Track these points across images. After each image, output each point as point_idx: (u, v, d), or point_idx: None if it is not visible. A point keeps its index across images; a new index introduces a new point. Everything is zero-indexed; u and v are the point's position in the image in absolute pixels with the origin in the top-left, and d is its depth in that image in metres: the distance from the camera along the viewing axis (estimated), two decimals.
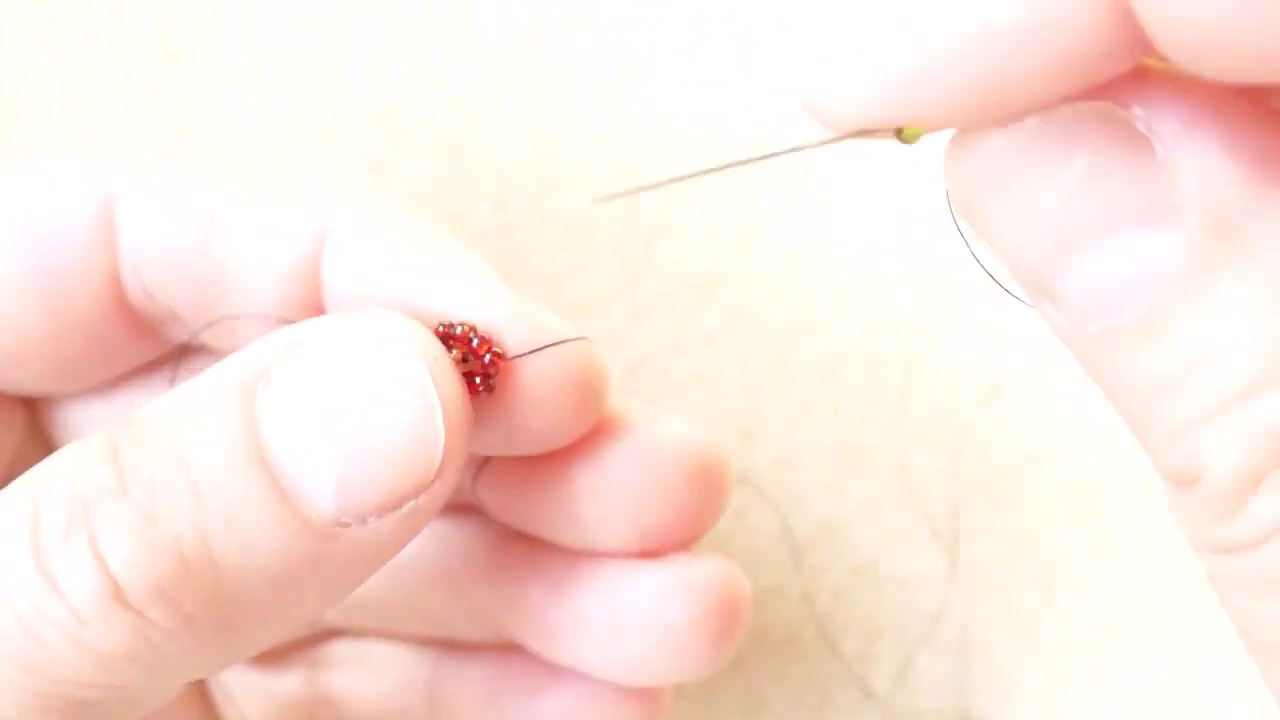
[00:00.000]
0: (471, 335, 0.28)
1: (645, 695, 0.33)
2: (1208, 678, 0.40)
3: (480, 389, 0.28)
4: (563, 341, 0.29)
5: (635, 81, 0.39)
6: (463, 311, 0.28)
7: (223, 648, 0.27)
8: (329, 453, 0.26)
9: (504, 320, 0.28)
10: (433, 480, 0.27)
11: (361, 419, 0.26)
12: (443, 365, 0.27)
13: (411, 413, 0.27)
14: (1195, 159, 0.21)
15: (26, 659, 0.25)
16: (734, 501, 0.40)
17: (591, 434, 0.30)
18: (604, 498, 0.31)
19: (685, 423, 0.32)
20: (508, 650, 0.34)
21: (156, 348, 0.32)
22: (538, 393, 0.29)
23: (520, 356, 0.28)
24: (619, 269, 0.39)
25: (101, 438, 0.27)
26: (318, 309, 0.30)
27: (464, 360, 0.28)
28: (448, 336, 0.28)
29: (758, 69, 0.39)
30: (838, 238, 0.39)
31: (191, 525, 0.26)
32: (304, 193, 0.30)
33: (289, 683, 0.35)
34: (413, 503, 0.27)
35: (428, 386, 0.27)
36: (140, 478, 0.26)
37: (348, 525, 0.26)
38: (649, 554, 0.31)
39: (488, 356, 0.28)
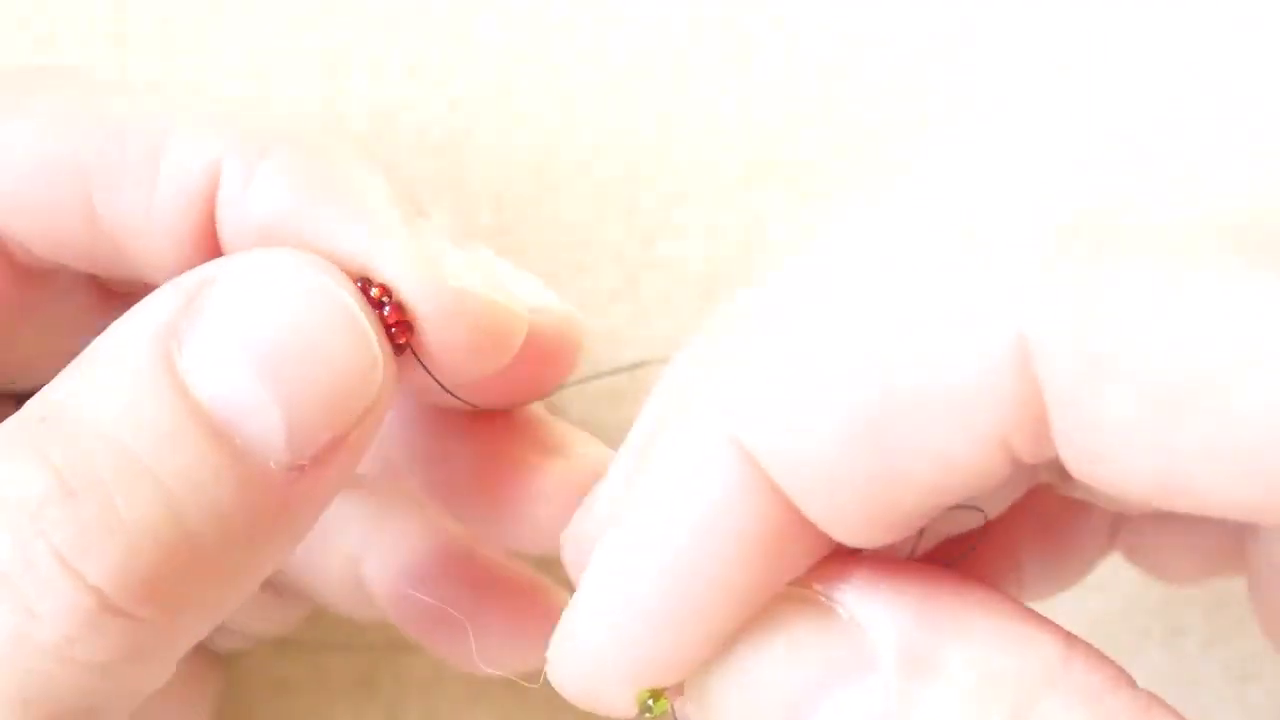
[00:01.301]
0: (380, 290, 0.27)
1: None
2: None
3: (399, 337, 0.27)
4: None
5: (635, 81, 0.39)
6: (368, 259, 0.27)
7: (212, 616, 0.26)
8: (274, 399, 0.25)
9: (410, 283, 0.27)
10: (374, 409, 0.26)
11: (300, 357, 0.25)
12: (360, 297, 0.26)
13: (350, 344, 0.26)
14: (878, 614, 0.24)
15: (24, 693, 0.24)
16: None
17: None
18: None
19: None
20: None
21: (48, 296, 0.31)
22: (447, 340, 0.28)
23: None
24: (619, 269, 0.39)
25: (18, 436, 0.25)
26: (214, 248, 0.28)
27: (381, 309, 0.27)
28: (364, 288, 0.27)
29: (758, 69, 0.39)
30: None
31: (158, 509, 0.25)
32: (184, 135, 0.28)
33: None
34: (355, 433, 0.26)
35: (358, 314, 0.26)
36: (83, 475, 0.24)
37: (303, 466, 0.26)
38: None
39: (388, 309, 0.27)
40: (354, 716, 0.40)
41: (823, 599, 0.24)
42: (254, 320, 0.25)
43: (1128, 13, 0.39)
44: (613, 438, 0.32)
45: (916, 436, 0.22)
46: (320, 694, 0.40)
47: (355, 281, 0.27)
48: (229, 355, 0.25)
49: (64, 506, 0.24)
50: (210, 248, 0.28)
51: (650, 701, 0.25)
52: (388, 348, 0.27)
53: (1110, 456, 0.21)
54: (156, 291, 0.26)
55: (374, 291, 0.27)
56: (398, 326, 0.27)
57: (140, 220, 0.28)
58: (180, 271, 0.27)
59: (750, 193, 0.39)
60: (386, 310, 0.27)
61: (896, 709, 0.23)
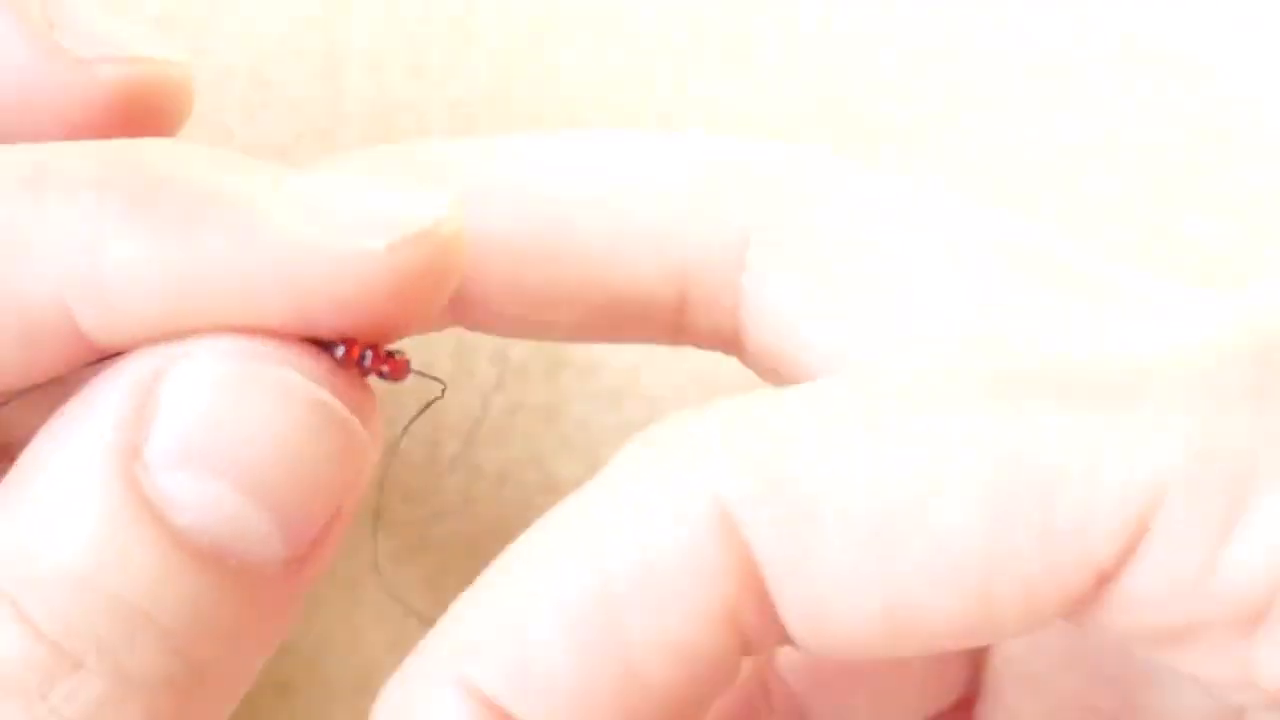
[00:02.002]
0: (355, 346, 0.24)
1: None
2: None
3: (390, 373, 0.25)
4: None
5: (635, 81, 0.39)
6: (230, 298, 0.23)
7: (229, 708, 0.25)
8: (261, 507, 0.23)
9: (267, 274, 0.22)
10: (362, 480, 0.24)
11: (279, 456, 0.23)
12: (325, 368, 0.23)
13: (328, 433, 0.23)
14: None
15: None
16: None
17: None
18: None
19: None
20: None
21: None
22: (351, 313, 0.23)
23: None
24: None
25: None
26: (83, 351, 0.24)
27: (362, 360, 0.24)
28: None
29: (758, 69, 0.39)
30: None
31: (166, 655, 0.23)
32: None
33: None
34: (350, 498, 0.24)
35: (329, 404, 0.23)
36: (81, 640, 0.22)
37: (304, 556, 0.24)
38: None
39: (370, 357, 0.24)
40: (354, 716, 0.40)
41: None
42: (222, 429, 0.23)
43: (1127, 13, 0.39)
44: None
45: (644, 628, 0.21)
46: (320, 694, 0.40)
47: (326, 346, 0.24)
48: (203, 474, 0.23)
49: (71, 680, 0.22)
50: (78, 352, 0.24)
51: None
52: (366, 398, 0.24)
53: (833, 608, 0.21)
54: (94, 395, 0.23)
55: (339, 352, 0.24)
56: (378, 359, 0.25)
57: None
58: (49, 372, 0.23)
59: None
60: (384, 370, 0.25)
61: None
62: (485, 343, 0.38)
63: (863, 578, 0.21)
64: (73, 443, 0.23)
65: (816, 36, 0.39)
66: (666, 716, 0.22)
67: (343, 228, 0.23)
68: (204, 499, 0.23)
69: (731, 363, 0.40)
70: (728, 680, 0.23)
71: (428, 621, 0.25)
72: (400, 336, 0.25)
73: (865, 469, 0.21)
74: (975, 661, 0.30)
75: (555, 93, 0.39)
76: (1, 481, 0.23)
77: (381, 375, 0.25)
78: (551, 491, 0.38)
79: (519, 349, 0.38)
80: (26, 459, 0.23)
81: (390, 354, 0.25)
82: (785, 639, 0.22)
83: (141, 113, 0.25)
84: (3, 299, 0.22)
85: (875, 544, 0.21)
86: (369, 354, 0.24)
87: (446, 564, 0.39)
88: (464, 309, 0.27)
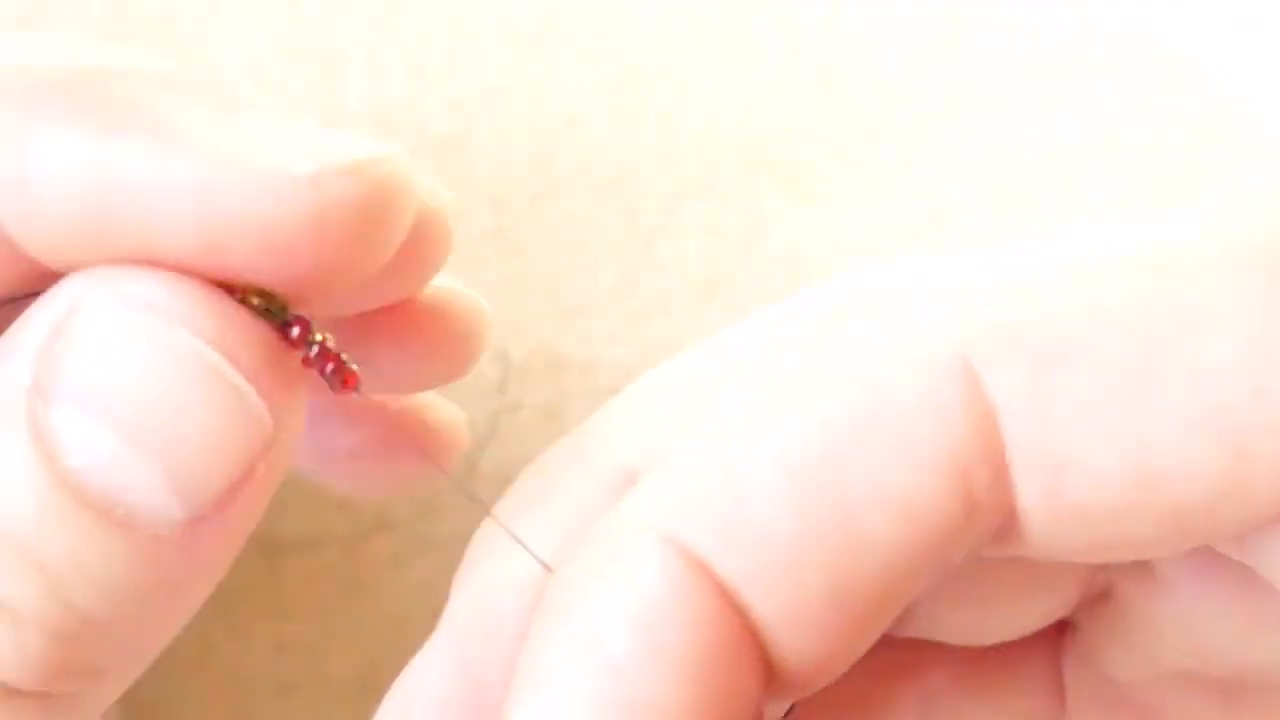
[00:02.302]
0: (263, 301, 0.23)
1: None
2: None
3: (336, 380, 0.24)
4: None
5: (635, 81, 0.39)
6: (145, 208, 0.22)
7: (134, 670, 0.25)
8: (146, 458, 0.22)
9: (180, 188, 0.21)
10: (271, 434, 0.23)
11: (166, 406, 0.22)
12: (221, 316, 0.22)
13: (216, 394, 0.22)
14: None
15: None
16: None
17: None
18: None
19: None
20: None
21: None
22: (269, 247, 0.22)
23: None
24: (619, 269, 0.39)
25: None
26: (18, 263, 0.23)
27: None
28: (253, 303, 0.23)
29: (758, 69, 0.39)
30: (838, 238, 0.39)
31: (46, 597, 0.22)
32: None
33: None
34: (262, 464, 0.23)
35: (218, 366, 0.22)
36: None
37: (205, 517, 0.23)
38: None
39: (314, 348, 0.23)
40: (354, 716, 0.40)
41: None
42: (110, 374, 0.22)
43: (1127, 13, 0.39)
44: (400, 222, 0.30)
45: (868, 482, 0.20)
46: (320, 694, 0.40)
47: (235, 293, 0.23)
48: (92, 416, 0.22)
49: None
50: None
51: None
52: (282, 369, 0.23)
53: (1076, 463, 0.20)
54: (18, 326, 0.23)
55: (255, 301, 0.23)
56: (325, 356, 0.24)
57: None
58: None
59: (750, 193, 0.39)
60: (329, 369, 0.24)
61: None
62: None
63: (1112, 425, 0.19)
64: None
65: (816, 36, 0.39)
66: (880, 583, 0.20)
67: (265, 150, 0.22)
68: (92, 443, 0.22)
69: None
70: (948, 550, 0.20)
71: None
72: (327, 292, 0.23)
73: (1119, 302, 0.19)
74: (1082, 588, 0.26)
75: (555, 93, 0.39)
76: None
77: (324, 375, 0.24)
78: None
79: (520, 349, 0.38)
80: None
81: (340, 358, 0.24)
82: (1010, 518, 0.20)
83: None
84: None
85: (1128, 385, 0.19)
86: (315, 346, 0.23)
87: (446, 564, 0.39)
88: None
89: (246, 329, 0.23)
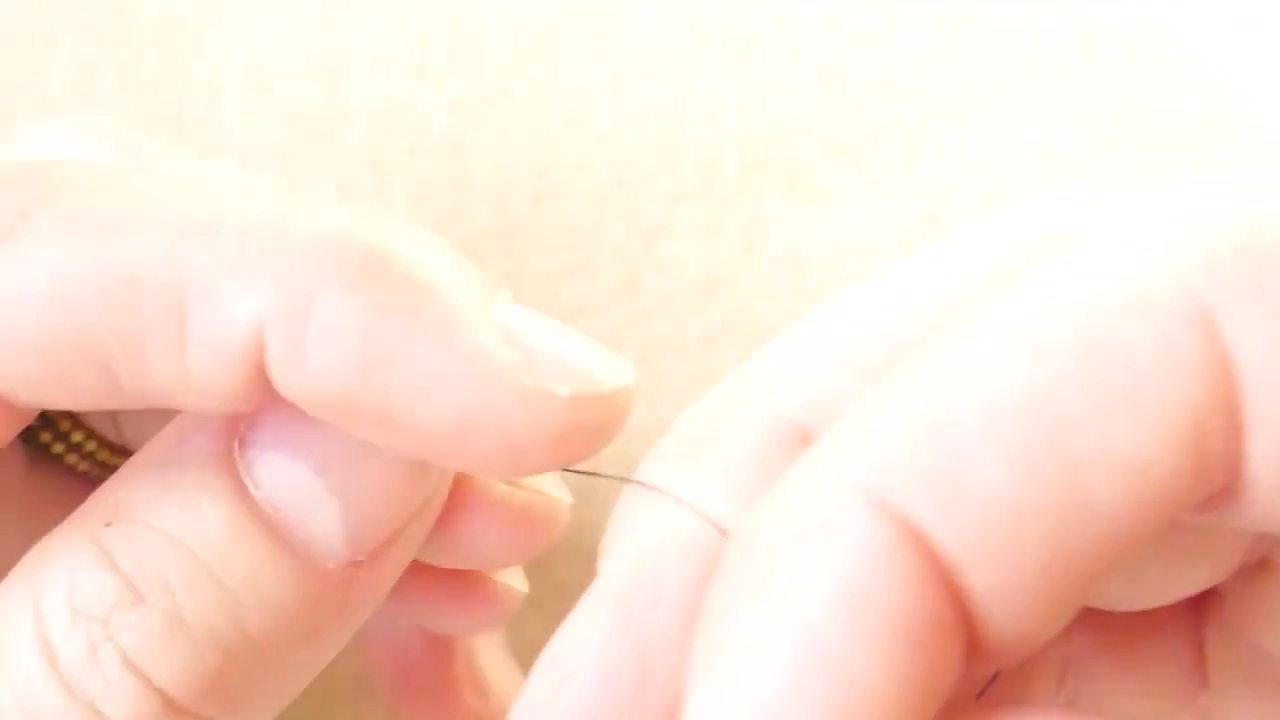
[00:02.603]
0: None
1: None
2: None
3: None
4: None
5: (635, 81, 0.39)
6: (414, 383, 0.24)
7: (273, 707, 0.26)
8: (331, 498, 0.25)
9: (457, 378, 0.23)
10: (432, 497, 0.26)
11: (357, 452, 0.25)
12: None
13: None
14: None
15: None
16: None
17: None
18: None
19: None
20: None
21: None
22: (514, 444, 0.24)
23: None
24: (619, 269, 0.39)
25: (82, 540, 0.25)
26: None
27: None
28: None
29: (758, 69, 0.39)
30: (838, 238, 0.39)
31: (221, 612, 0.25)
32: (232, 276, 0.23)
33: None
34: (415, 524, 0.26)
35: None
36: (150, 579, 0.24)
37: (361, 563, 0.25)
38: None
39: None
40: (354, 717, 0.40)
41: None
42: (315, 425, 0.24)
43: (1127, 13, 0.39)
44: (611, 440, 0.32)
45: (1096, 441, 0.18)
46: (320, 694, 0.40)
47: None
48: (287, 450, 0.25)
49: (132, 612, 0.24)
50: (261, 391, 0.24)
51: None
52: None
53: None
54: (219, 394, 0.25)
55: None
56: None
57: (173, 382, 0.24)
58: (227, 407, 0.25)
59: (750, 193, 0.39)
60: None
61: None
62: None
63: None
64: (189, 416, 0.25)
65: (816, 36, 0.39)
66: (1101, 550, 0.19)
67: (536, 364, 0.23)
68: (282, 474, 0.25)
69: (731, 364, 0.40)
70: (1172, 514, 0.19)
71: None
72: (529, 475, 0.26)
73: None
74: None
75: (555, 93, 0.39)
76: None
77: None
78: None
79: None
80: (158, 436, 0.26)
81: None
82: (1234, 481, 0.19)
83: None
84: (214, 304, 0.23)
85: None
86: None
87: None
88: None
89: None
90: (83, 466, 0.30)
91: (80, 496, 0.26)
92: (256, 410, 0.25)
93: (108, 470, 0.30)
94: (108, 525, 0.25)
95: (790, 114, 0.39)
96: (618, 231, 0.39)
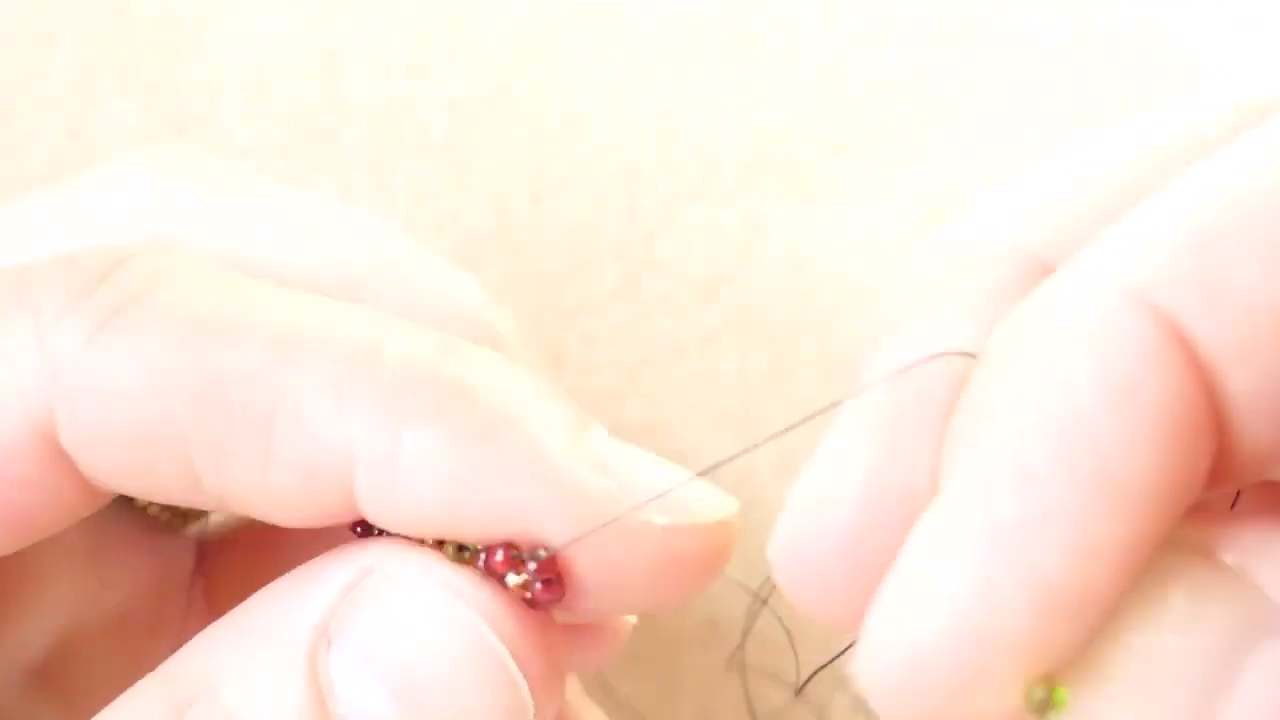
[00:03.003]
0: (512, 552, 0.24)
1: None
2: None
3: (546, 600, 0.25)
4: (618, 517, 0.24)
5: (635, 81, 0.39)
6: (508, 513, 0.24)
7: None
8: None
9: (551, 508, 0.23)
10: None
11: (439, 688, 0.23)
12: (498, 612, 0.24)
13: (485, 674, 0.23)
14: (1271, 559, 0.19)
15: None
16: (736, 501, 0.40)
17: None
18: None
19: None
20: None
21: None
22: (610, 574, 0.24)
23: (568, 545, 0.24)
24: (619, 269, 0.39)
25: (158, 710, 0.23)
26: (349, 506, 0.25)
27: (513, 580, 0.24)
28: (489, 561, 0.24)
29: (758, 69, 0.39)
30: (838, 238, 0.39)
31: None
32: (304, 421, 0.24)
33: None
34: None
35: (488, 640, 0.23)
36: None
37: None
38: None
39: (533, 565, 0.24)
40: None
41: (1205, 549, 0.19)
42: (399, 643, 0.23)
43: (1128, 13, 0.39)
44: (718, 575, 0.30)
45: None
46: None
47: (505, 554, 0.24)
48: (371, 673, 0.23)
49: None
50: (343, 509, 0.25)
51: (1043, 694, 0.18)
52: (542, 654, 0.24)
53: None
54: (316, 568, 0.24)
55: (524, 577, 0.24)
56: (543, 586, 0.24)
57: (253, 493, 0.24)
58: (306, 522, 0.25)
59: (750, 193, 0.39)
60: (537, 587, 0.24)
61: None
62: None
63: None
64: (283, 599, 0.24)
65: (816, 36, 0.39)
66: None
67: (631, 494, 0.23)
68: (363, 697, 0.23)
69: (731, 364, 0.40)
70: None
71: None
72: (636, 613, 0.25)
73: None
74: None
75: (555, 93, 0.39)
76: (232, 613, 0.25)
77: (531, 593, 0.24)
78: None
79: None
80: (252, 602, 0.24)
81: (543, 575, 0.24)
82: None
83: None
84: (303, 426, 0.23)
85: None
86: (540, 580, 0.24)
87: None
88: None
89: (520, 613, 0.24)
90: (153, 510, 0.29)
91: (150, 542, 0.27)
92: (349, 612, 0.24)
93: (180, 518, 0.30)
94: (191, 704, 0.23)
95: (790, 114, 0.39)
96: (618, 231, 0.39)
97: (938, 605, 0.18)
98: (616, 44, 0.39)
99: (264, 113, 0.38)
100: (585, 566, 0.24)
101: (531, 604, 0.24)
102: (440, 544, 0.24)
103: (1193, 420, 0.18)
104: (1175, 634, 0.19)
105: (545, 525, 0.23)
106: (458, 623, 0.24)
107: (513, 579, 0.24)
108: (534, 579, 0.24)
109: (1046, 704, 0.18)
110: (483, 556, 0.24)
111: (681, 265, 0.39)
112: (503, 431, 0.23)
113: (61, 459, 0.24)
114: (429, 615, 0.24)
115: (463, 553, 0.24)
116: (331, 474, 0.23)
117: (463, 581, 0.24)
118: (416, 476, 0.23)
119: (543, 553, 0.24)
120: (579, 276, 0.39)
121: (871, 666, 0.18)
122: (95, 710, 0.24)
